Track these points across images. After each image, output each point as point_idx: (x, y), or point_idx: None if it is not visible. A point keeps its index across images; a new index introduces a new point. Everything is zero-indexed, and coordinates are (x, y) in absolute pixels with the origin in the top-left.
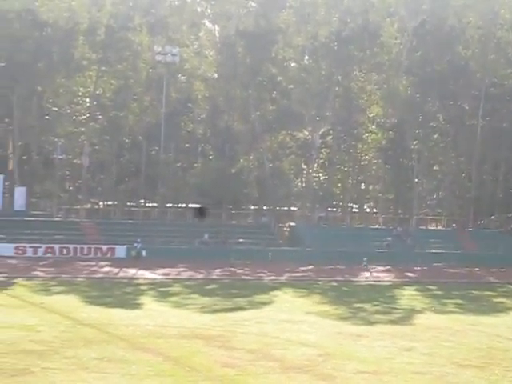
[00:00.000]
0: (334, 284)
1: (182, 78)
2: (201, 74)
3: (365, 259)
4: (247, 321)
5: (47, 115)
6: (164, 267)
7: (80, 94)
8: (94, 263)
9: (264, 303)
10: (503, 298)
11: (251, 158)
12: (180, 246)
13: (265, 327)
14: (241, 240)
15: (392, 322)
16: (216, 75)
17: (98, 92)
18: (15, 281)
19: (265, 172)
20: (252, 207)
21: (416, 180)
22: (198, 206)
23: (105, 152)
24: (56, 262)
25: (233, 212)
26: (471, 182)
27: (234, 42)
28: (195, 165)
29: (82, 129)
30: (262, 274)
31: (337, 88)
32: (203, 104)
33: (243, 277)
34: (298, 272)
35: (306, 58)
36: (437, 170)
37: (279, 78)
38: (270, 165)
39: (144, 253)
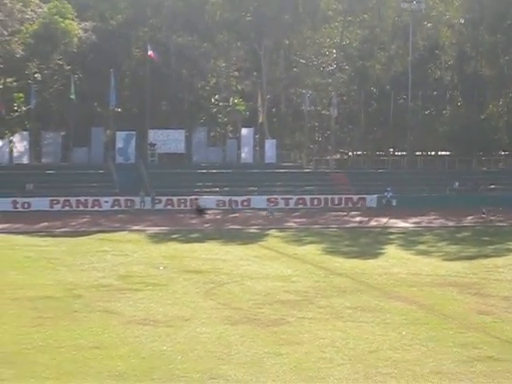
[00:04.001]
0: None
1: (428, 24)
2: (447, 20)
3: None
4: (501, 268)
5: (295, 67)
6: (415, 216)
7: (326, 45)
8: (344, 213)
9: None
10: None
11: (500, 103)
12: (430, 194)
13: None
14: (492, 186)
15: None
16: (462, 21)
17: (344, 43)
18: (268, 232)
19: None
20: (503, 153)
21: None
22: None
23: (353, 102)
24: (307, 213)
25: (483, 158)
26: None
27: None
28: (444, 112)
29: (330, 80)
30: None
31: None
32: (450, 50)
33: (496, 223)
34: None
35: None
36: None
37: None
38: None
39: (394, 202)
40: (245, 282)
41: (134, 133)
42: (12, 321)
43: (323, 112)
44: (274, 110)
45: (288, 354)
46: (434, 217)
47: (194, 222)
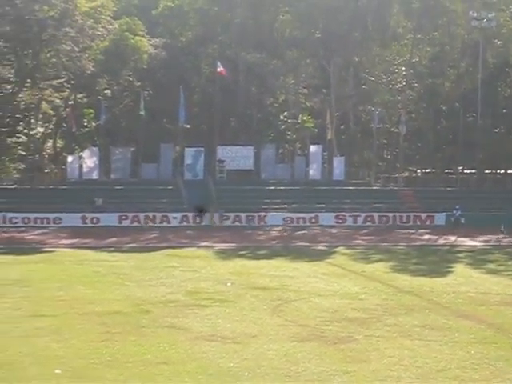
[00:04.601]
0: None
1: (499, 42)
2: None
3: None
4: None
5: (364, 85)
6: (484, 234)
7: (396, 62)
8: (413, 231)
9: None
10: None
11: None
12: (500, 212)
13: None
14: None
15: None
16: None
17: (413, 60)
18: (336, 249)
19: None
20: None
21: None
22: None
23: (422, 120)
24: (375, 231)
25: None
26: None
27: None
28: None
29: (399, 97)
30: None
31: None
32: None
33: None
34: None
35: None
36: None
37: None
38: None
39: (463, 220)
40: (312, 299)
41: (202, 149)
42: (80, 335)
43: (392, 129)
44: (342, 127)
45: (355, 372)
46: (502, 235)
47: (261, 238)
